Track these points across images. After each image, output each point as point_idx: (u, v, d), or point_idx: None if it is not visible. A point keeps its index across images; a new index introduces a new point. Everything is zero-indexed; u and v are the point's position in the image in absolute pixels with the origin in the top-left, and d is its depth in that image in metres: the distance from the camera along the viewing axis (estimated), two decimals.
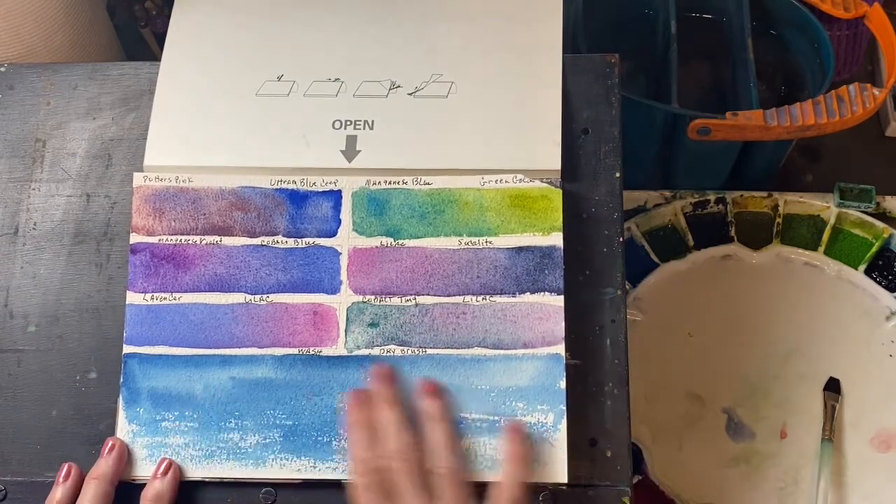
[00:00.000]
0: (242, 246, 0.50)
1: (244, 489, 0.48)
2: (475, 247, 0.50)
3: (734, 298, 0.67)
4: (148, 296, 0.50)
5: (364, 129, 0.52)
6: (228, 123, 0.53)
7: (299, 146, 0.52)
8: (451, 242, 0.50)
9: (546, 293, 0.49)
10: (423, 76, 0.53)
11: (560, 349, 0.48)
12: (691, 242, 0.69)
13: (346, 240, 0.50)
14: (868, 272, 0.67)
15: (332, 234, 0.50)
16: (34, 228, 0.53)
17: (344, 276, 0.50)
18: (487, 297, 0.49)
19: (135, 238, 0.51)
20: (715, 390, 0.64)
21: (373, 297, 0.50)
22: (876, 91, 0.66)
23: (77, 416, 0.49)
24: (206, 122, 0.53)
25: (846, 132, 0.67)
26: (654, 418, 0.62)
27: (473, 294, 0.49)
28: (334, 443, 0.48)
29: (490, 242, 0.50)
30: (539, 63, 0.53)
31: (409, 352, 0.49)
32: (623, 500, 0.47)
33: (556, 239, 0.49)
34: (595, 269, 0.50)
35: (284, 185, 0.51)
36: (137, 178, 0.51)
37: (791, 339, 0.66)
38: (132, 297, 0.50)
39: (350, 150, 0.52)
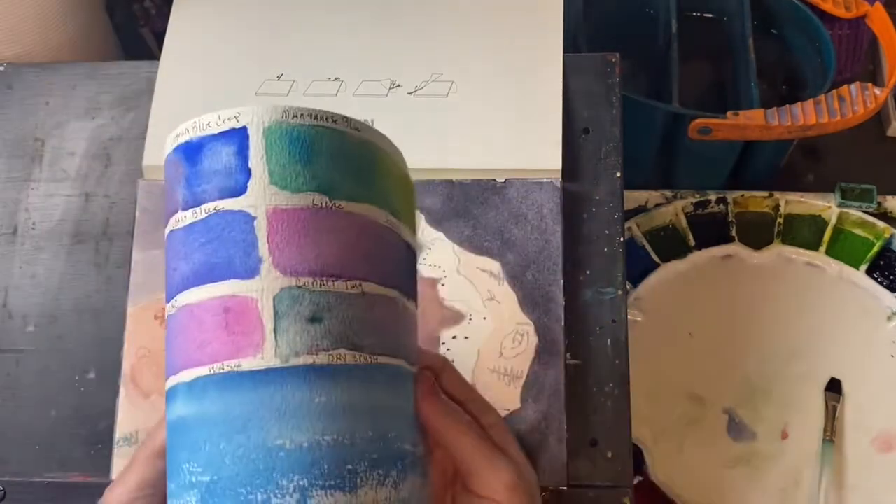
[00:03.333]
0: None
1: None
2: (394, 228, 0.36)
3: (735, 299, 0.67)
4: None
5: None
6: None
7: None
8: (380, 216, 0.35)
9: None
10: (423, 76, 0.53)
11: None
12: (692, 242, 0.69)
13: (261, 197, 0.33)
14: (869, 272, 0.67)
15: (240, 191, 0.33)
16: (33, 228, 0.53)
17: (264, 249, 0.32)
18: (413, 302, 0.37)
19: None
20: (716, 391, 0.64)
21: (310, 279, 0.33)
22: (877, 90, 0.65)
23: (76, 416, 0.49)
24: None
25: (847, 132, 0.67)
26: (655, 419, 0.62)
27: (403, 294, 0.36)
28: (274, 501, 0.31)
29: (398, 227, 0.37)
30: (539, 63, 0.53)
31: (362, 359, 0.33)
32: (624, 501, 0.47)
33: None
34: (595, 269, 0.50)
35: (179, 140, 0.35)
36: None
37: (792, 339, 0.66)
38: None
39: None
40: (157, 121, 0.53)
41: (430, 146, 0.51)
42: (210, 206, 0.33)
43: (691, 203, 0.70)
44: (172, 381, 0.33)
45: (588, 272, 0.50)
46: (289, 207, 0.33)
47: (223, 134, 0.34)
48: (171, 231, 0.34)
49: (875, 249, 0.68)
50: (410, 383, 0.35)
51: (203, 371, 0.32)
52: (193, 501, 0.31)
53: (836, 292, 0.67)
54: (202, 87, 0.54)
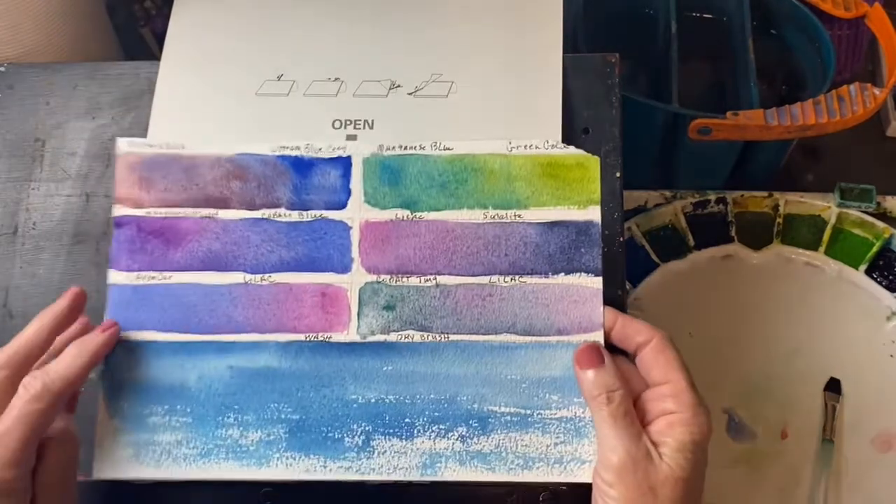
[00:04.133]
0: (241, 220, 0.46)
1: (242, 489, 0.46)
2: (503, 220, 0.45)
3: (734, 298, 0.67)
4: (133, 274, 0.46)
5: (364, 128, 0.52)
6: (228, 123, 0.52)
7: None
8: (475, 215, 0.45)
9: (582, 274, 0.45)
10: (423, 76, 0.53)
11: (599, 336, 0.44)
12: (692, 242, 0.69)
13: (357, 212, 0.45)
14: (869, 272, 0.67)
15: (342, 205, 0.46)
16: (33, 228, 0.53)
17: (356, 252, 0.45)
18: (517, 277, 0.45)
19: (118, 210, 0.46)
20: (715, 390, 0.64)
21: (388, 276, 0.45)
22: (876, 91, 0.65)
23: (75, 416, 0.49)
24: (206, 121, 0.53)
25: (847, 132, 0.67)
26: None
27: (501, 274, 0.45)
28: (346, 439, 0.44)
29: (519, 216, 0.46)
30: (539, 63, 0.53)
31: (430, 338, 0.44)
32: None
33: (594, 213, 0.46)
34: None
35: (287, 152, 0.47)
36: (121, 145, 0.47)
37: (792, 339, 0.66)
38: (115, 276, 0.46)
39: None
40: (157, 121, 0.53)
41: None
42: (317, 213, 0.45)
43: (691, 203, 0.70)
44: (256, 337, 0.44)
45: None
46: (376, 221, 0.45)
47: (333, 160, 0.47)
48: (268, 220, 0.45)
49: (874, 249, 0.68)
50: (514, 352, 0.44)
51: (299, 337, 0.44)
52: (283, 431, 0.43)
53: (835, 292, 0.67)
54: (202, 87, 0.54)
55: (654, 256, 0.68)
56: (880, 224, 0.68)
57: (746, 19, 0.72)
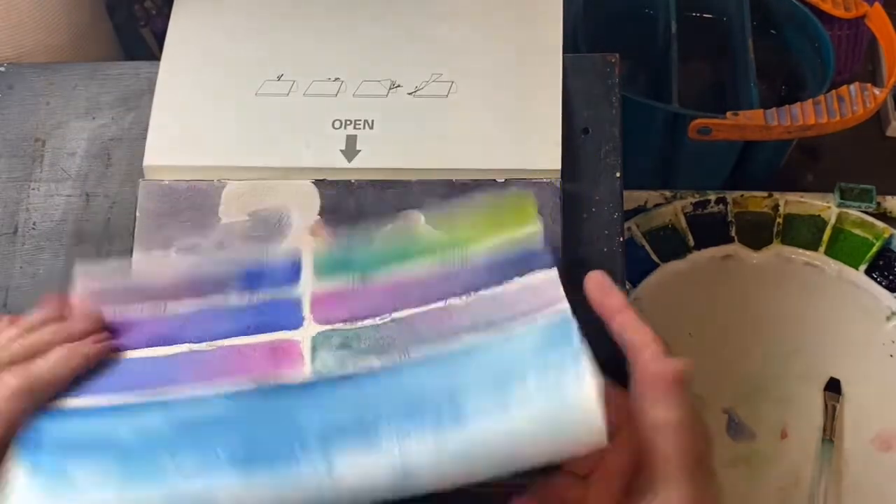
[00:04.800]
0: (189, 310, 0.44)
1: None
2: (451, 259, 0.45)
3: (734, 298, 0.67)
4: None
5: (364, 128, 0.52)
6: (228, 123, 0.52)
7: (299, 146, 0.52)
8: (424, 264, 0.45)
9: (536, 272, 0.44)
10: (423, 76, 0.53)
11: (564, 306, 0.41)
12: (691, 242, 0.69)
13: (308, 287, 0.44)
14: (869, 272, 0.67)
15: (292, 285, 0.45)
16: (33, 228, 0.53)
17: (307, 313, 0.44)
18: (472, 293, 0.44)
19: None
20: (715, 390, 0.64)
21: (341, 324, 0.43)
22: (876, 91, 0.66)
23: None
24: (206, 121, 0.53)
25: (846, 132, 0.67)
26: None
27: (456, 296, 0.44)
28: (304, 461, 0.37)
29: (466, 251, 0.45)
30: (539, 63, 0.53)
31: (391, 361, 0.41)
32: None
33: (535, 226, 0.45)
34: (595, 270, 0.50)
35: (238, 265, 0.45)
36: (82, 283, 0.45)
37: (791, 339, 0.66)
38: None
39: (350, 150, 0.52)
40: (157, 121, 0.53)
41: (430, 146, 0.52)
42: (265, 296, 0.44)
43: (691, 203, 0.70)
44: (203, 390, 0.40)
45: (588, 272, 0.50)
46: (326, 291, 0.44)
47: (283, 262, 0.45)
48: (216, 306, 0.43)
49: (874, 249, 0.68)
50: (482, 351, 0.41)
51: (249, 386, 0.40)
52: (229, 471, 0.37)
53: (835, 292, 0.67)
54: (202, 87, 0.54)
55: (654, 256, 0.68)
56: (880, 224, 0.68)
57: (746, 19, 0.72)
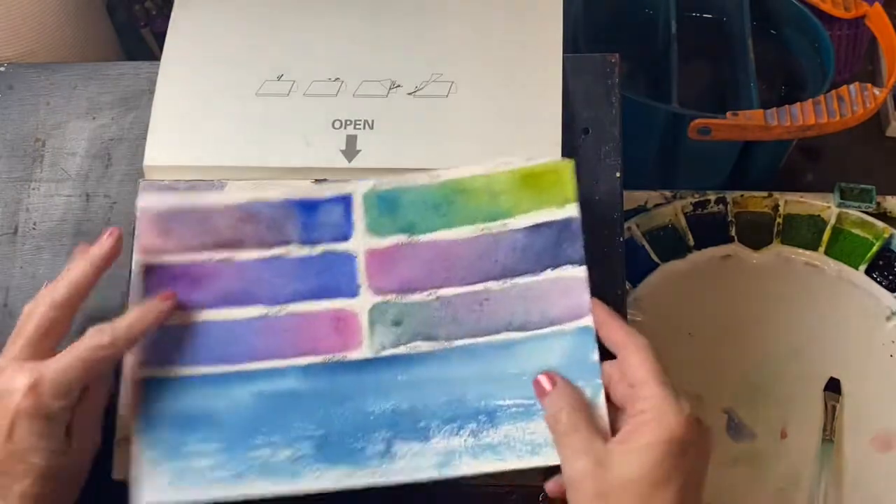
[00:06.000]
0: (256, 259, 0.49)
1: None
2: (492, 232, 0.49)
3: (734, 298, 0.67)
4: None
5: (364, 128, 0.52)
6: (228, 123, 0.52)
7: (299, 146, 0.52)
8: (467, 231, 0.49)
9: (567, 266, 0.48)
10: (423, 76, 0.53)
11: (588, 321, 0.46)
12: (691, 242, 0.69)
13: (361, 242, 0.49)
14: (868, 272, 0.67)
15: (346, 238, 0.49)
16: (34, 228, 0.53)
17: (362, 278, 0.49)
18: (508, 279, 0.48)
19: (143, 260, 0.49)
20: (715, 390, 0.64)
21: (393, 295, 0.48)
22: (876, 91, 0.66)
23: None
24: (206, 121, 0.53)
25: (846, 132, 0.67)
26: None
27: (494, 279, 0.48)
28: (369, 448, 0.46)
29: (506, 224, 0.49)
30: (539, 63, 0.53)
31: (436, 346, 0.48)
32: None
33: (572, 210, 0.48)
34: (595, 269, 0.50)
35: (293, 196, 0.50)
36: (144, 199, 0.50)
37: (791, 339, 0.66)
38: None
39: (350, 150, 0.52)
40: (157, 121, 0.53)
41: (430, 146, 0.52)
42: (324, 247, 0.49)
43: (691, 203, 0.70)
44: (278, 363, 0.48)
45: (588, 272, 0.50)
46: (379, 248, 0.49)
47: (335, 199, 0.50)
48: (280, 257, 0.49)
49: (874, 249, 0.68)
50: (513, 348, 0.47)
51: (318, 359, 0.48)
52: (309, 447, 0.46)
53: (835, 292, 0.67)
54: (202, 87, 0.54)
55: (654, 256, 0.68)
56: (880, 224, 0.68)
57: (746, 19, 0.73)
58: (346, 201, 0.50)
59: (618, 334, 0.45)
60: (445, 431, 0.46)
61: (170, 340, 0.48)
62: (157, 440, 0.46)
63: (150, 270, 0.49)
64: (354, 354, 0.48)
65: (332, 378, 0.47)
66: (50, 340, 0.45)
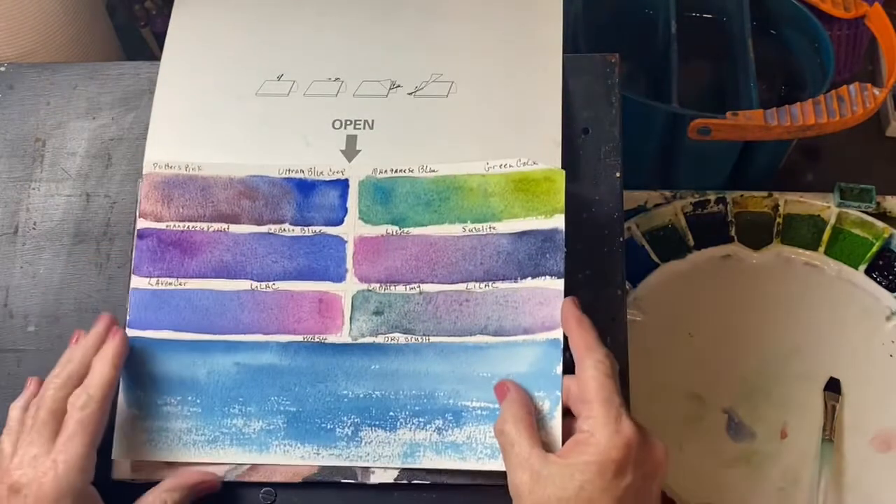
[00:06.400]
0: (249, 233, 0.50)
1: (244, 489, 0.48)
2: (479, 233, 0.50)
3: (734, 298, 0.67)
4: (153, 280, 0.50)
5: (364, 128, 0.52)
6: (228, 123, 0.53)
7: (299, 146, 0.52)
8: (455, 230, 0.50)
9: (547, 277, 0.48)
10: (423, 76, 0.53)
11: (558, 334, 0.47)
12: (691, 242, 0.69)
13: (352, 228, 0.50)
14: (868, 272, 0.67)
15: (339, 222, 0.51)
16: (34, 228, 0.53)
17: (350, 264, 0.50)
18: (490, 283, 0.49)
19: (142, 223, 0.50)
20: (715, 390, 0.64)
21: (377, 284, 0.50)
22: (876, 91, 0.66)
23: None
24: (206, 121, 0.53)
25: (846, 132, 0.67)
26: (655, 418, 0.62)
27: (476, 281, 0.49)
28: (338, 430, 0.48)
29: (493, 228, 0.49)
30: (539, 63, 0.53)
31: (413, 340, 0.49)
32: None
33: (558, 221, 0.49)
34: (595, 269, 0.50)
35: (292, 175, 0.51)
36: (148, 166, 0.51)
37: (791, 339, 0.66)
38: (137, 282, 0.50)
39: (350, 150, 0.52)
40: (157, 121, 0.53)
41: (430, 146, 0.52)
42: (317, 229, 0.50)
43: (691, 203, 0.70)
44: (260, 337, 0.49)
45: (588, 272, 0.50)
46: (369, 236, 0.50)
47: (332, 182, 0.51)
48: (274, 234, 0.50)
49: (874, 249, 0.68)
50: (486, 352, 0.48)
51: (298, 338, 0.49)
52: (281, 422, 0.48)
53: (835, 292, 0.67)
54: (202, 87, 0.54)
55: (653, 256, 0.68)
56: (880, 224, 0.68)
57: (746, 19, 0.72)
58: (342, 186, 0.51)
59: (579, 347, 0.45)
60: (412, 424, 0.48)
61: (159, 304, 0.49)
62: (138, 398, 0.48)
63: (147, 235, 0.50)
64: (334, 337, 0.49)
65: (309, 357, 0.49)
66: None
